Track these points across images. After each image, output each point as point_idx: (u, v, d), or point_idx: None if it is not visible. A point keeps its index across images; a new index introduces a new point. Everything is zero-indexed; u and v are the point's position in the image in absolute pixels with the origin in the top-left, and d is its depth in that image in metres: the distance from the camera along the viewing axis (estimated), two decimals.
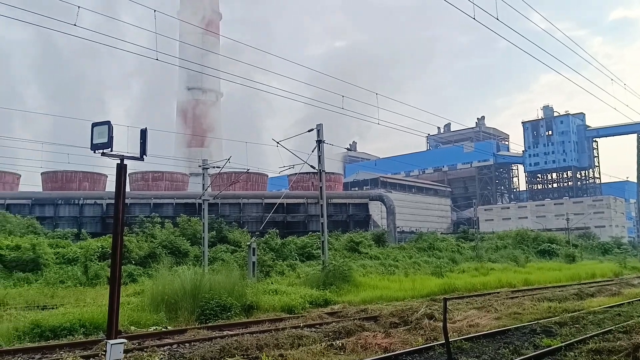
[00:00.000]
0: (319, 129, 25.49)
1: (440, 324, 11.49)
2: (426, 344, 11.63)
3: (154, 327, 14.91)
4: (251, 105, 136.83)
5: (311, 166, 25.54)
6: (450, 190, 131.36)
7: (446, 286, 25.29)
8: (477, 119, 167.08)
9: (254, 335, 12.91)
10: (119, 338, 8.52)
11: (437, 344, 11.29)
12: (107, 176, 76.08)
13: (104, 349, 10.92)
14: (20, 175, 76.72)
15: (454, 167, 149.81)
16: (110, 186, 72.83)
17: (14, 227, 38.36)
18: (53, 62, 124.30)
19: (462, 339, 11.99)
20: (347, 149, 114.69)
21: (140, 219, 44.80)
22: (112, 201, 48.08)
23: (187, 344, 12.45)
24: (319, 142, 25.46)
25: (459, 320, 15.01)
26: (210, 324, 15.44)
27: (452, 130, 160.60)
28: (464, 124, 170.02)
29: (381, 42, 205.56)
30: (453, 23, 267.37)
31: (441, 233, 72.69)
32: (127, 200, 51.54)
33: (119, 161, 8.99)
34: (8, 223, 39.29)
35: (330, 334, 13.25)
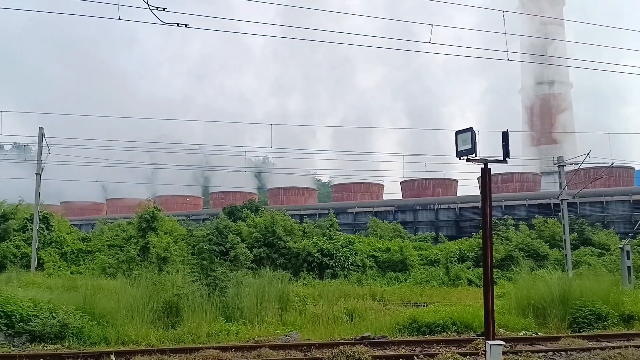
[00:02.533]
0: None
1: None
2: None
3: (524, 332, 14.63)
4: (605, 93, 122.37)
5: None
6: None
7: None
8: None
9: None
10: (497, 339, 8.63)
11: None
12: (457, 181, 79.02)
13: (480, 347, 11.27)
14: (383, 185, 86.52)
15: None
16: (462, 191, 75.17)
17: (383, 232, 43.39)
18: (403, 80, 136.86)
19: None
20: None
21: (494, 222, 44.92)
22: (465, 205, 49.40)
23: (562, 353, 11.77)
24: None
25: None
26: (584, 333, 14.27)
27: None
28: None
29: None
30: None
31: None
32: (470, 204, 52.36)
33: (482, 165, 9.18)
34: (378, 228, 44.66)
35: None
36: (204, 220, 58.09)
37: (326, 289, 21.50)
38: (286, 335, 13.71)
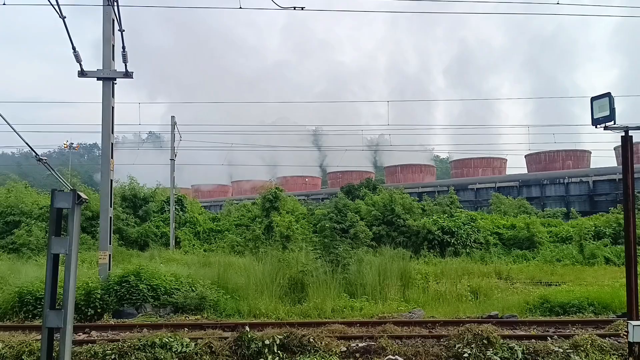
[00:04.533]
0: None
1: None
2: None
3: None
4: None
5: None
6: None
7: None
8: None
9: None
10: None
11: None
12: (590, 152, 73.28)
13: (621, 329, 10.46)
14: (506, 160, 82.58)
15: None
16: (595, 163, 69.69)
17: (507, 208, 41.53)
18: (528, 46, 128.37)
19: None
20: None
21: (636, 195, 41.07)
22: (599, 178, 45.58)
23: None
24: None
25: None
26: None
27: None
28: None
29: None
30: None
31: None
32: (605, 177, 48.02)
33: (622, 133, 8.41)
34: (502, 204, 42.82)
35: None
36: (322, 199, 59.46)
37: (448, 267, 21.12)
38: (410, 312, 13.68)
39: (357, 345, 10.06)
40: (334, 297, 14.85)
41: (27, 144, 7.85)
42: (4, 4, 13.51)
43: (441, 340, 10.25)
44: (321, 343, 9.73)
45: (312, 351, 9.46)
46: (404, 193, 35.09)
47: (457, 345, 9.39)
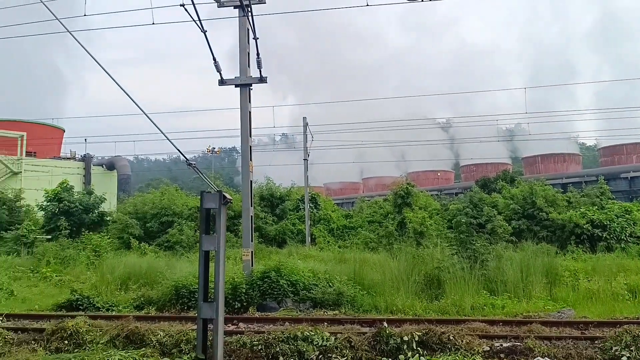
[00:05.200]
0: None
1: None
2: None
3: None
4: None
5: None
6: None
7: None
8: None
9: None
10: None
11: None
12: None
13: None
14: None
15: None
16: None
17: None
18: None
19: None
20: None
21: None
22: None
23: None
24: None
25: None
26: None
27: None
28: None
29: None
30: None
31: None
32: None
33: None
34: None
35: None
36: (456, 194, 57.71)
37: (600, 263, 19.37)
38: (558, 312, 12.81)
39: (502, 345, 9.62)
40: (472, 294, 14.37)
41: (178, 150, 8.55)
42: (153, 24, 14.87)
43: (595, 342, 9.45)
44: (462, 341, 9.45)
45: (453, 349, 9.21)
46: (545, 185, 32.88)
47: (614, 348, 8.60)
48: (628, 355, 8.38)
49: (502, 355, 9.22)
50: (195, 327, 9.86)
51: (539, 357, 8.26)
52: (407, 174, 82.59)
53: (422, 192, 38.96)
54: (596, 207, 30.00)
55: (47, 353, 9.27)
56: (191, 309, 14.13)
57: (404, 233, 30.20)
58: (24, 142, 61.81)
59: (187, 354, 9.06)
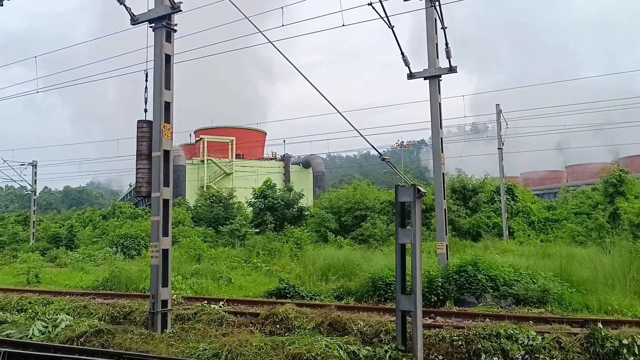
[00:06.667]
0: None
1: None
2: None
3: None
4: None
5: None
6: None
7: None
8: None
9: None
10: None
11: None
12: None
13: None
14: None
15: None
16: None
17: None
18: None
19: None
20: None
21: None
22: None
23: None
24: None
25: None
26: None
27: None
28: None
29: None
30: None
31: None
32: None
33: None
34: None
35: None
36: None
37: None
38: None
39: None
40: None
41: (371, 145, 8.76)
42: (343, 25, 15.43)
43: None
44: None
45: None
46: None
47: None
48: None
49: None
50: (393, 318, 10.03)
51: None
52: (619, 159, 73.46)
53: (638, 179, 34.32)
54: None
55: (262, 335, 10.22)
56: (388, 301, 14.38)
57: (618, 225, 26.97)
58: (234, 146, 69.26)
59: (387, 344, 9.21)
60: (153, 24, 11.56)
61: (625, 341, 8.51)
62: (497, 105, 31.17)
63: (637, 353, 8.30)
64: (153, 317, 10.94)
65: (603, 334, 8.76)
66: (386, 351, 8.78)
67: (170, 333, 10.67)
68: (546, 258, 18.43)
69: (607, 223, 27.77)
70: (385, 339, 9.69)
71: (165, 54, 11.46)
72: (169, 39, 11.57)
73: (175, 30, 11.70)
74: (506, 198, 32.02)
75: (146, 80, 12.13)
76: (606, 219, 28.32)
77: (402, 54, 14.40)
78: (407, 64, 14.94)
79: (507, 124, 31.33)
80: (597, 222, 28.04)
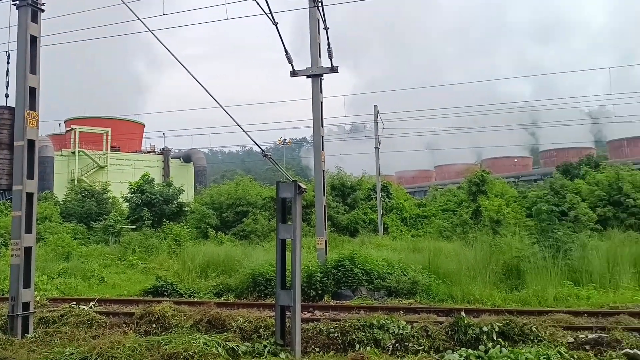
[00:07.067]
0: None
1: None
2: None
3: None
4: None
5: None
6: None
7: None
8: None
9: None
10: None
11: None
12: None
13: None
14: None
15: None
16: None
17: None
18: None
19: None
20: None
21: None
22: None
23: None
24: None
25: None
26: None
27: None
28: None
29: None
30: None
31: None
32: None
33: None
34: None
35: None
36: (535, 180, 55.54)
37: None
38: None
39: (587, 336, 9.19)
40: (555, 284, 13.82)
41: (254, 141, 8.77)
42: (227, 19, 15.24)
43: None
44: (545, 332, 9.11)
45: (535, 341, 8.89)
46: (633, 169, 30.98)
47: None
48: None
49: (587, 347, 8.82)
50: (273, 314, 10.11)
51: (627, 349, 7.81)
52: (482, 160, 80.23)
53: (498, 179, 37.76)
54: None
55: (137, 335, 9.79)
56: (268, 297, 14.47)
57: (480, 221, 29.44)
58: (109, 137, 65.53)
59: (266, 339, 9.28)
60: (17, 2, 10.56)
61: (485, 328, 9.28)
62: (375, 106, 32.61)
63: (495, 339, 9.09)
64: (12, 321, 10.04)
65: (466, 322, 9.49)
66: (265, 346, 8.85)
67: (32, 338, 9.87)
68: (416, 252, 19.63)
69: (470, 219, 30.20)
70: (264, 334, 9.74)
71: (31, 35, 10.52)
72: (35, 19, 10.64)
73: (42, 10, 10.79)
74: (382, 195, 33.60)
75: (8, 63, 11.07)
76: (469, 215, 30.80)
77: (286, 51, 14.53)
78: (290, 61, 15.10)
79: (383, 125, 32.92)
80: (462, 218, 30.39)
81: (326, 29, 15.58)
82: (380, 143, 32.83)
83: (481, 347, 8.69)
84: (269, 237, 28.13)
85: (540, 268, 14.38)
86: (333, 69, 15.80)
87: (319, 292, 14.56)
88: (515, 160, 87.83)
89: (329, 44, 15.65)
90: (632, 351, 7.53)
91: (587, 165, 37.30)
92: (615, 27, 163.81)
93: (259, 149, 9.23)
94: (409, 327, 9.61)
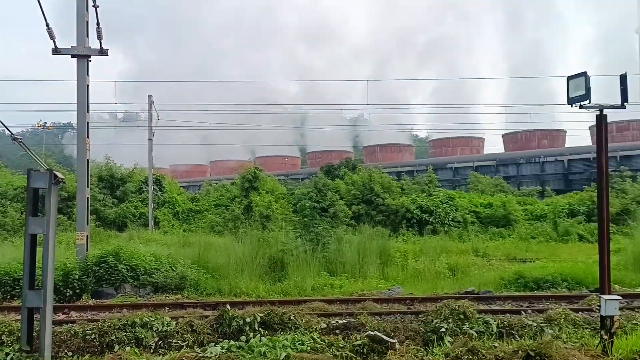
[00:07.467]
0: None
1: None
2: None
3: None
4: None
5: None
6: None
7: None
8: None
9: None
10: (612, 295, 8.20)
11: None
12: (566, 132, 74.41)
13: (594, 304, 10.79)
14: (484, 139, 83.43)
15: None
16: (570, 142, 70.87)
17: (484, 187, 42.12)
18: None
19: None
20: None
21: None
22: (574, 157, 46.31)
23: None
24: None
25: None
26: None
27: None
28: None
29: None
30: None
31: None
32: (580, 156, 48.73)
33: (598, 112, 8.55)
34: (479, 183, 43.39)
35: None
36: (302, 179, 59.43)
37: (427, 245, 21.39)
38: (389, 290, 13.89)
39: (337, 322, 10.18)
40: (314, 275, 14.98)
41: (1, 122, 7.69)
42: None
43: (419, 316, 10.43)
44: (302, 320, 9.83)
45: (293, 328, 9.55)
46: (383, 172, 35.30)
47: (435, 321, 9.56)
48: (446, 326, 9.37)
49: (337, 332, 9.78)
50: (19, 317, 9.00)
51: (369, 332, 8.90)
52: (255, 158, 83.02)
53: (269, 176, 39.50)
54: (425, 194, 32.97)
55: None
56: (15, 298, 12.86)
57: (251, 217, 30.45)
58: None
59: (10, 345, 8.24)
60: None
61: (248, 319, 9.62)
62: (150, 96, 31.32)
63: (257, 328, 9.49)
64: None
65: (230, 314, 9.71)
66: (7, 353, 7.85)
67: None
68: (187, 247, 19.43)
69: (242, 214, 31.05)
70: (8, 340, 8.62)
71: None
72: None
73: None
74: (154, 189, 32.44)
75: None
76: (241, 210, 31.63)
77: (47, 25, 13.06)
78: (52, 37, 13.62)
79: (158, 115, 31.79)
80: (234, 213, 31.06)
81: (95, 7, 14.41)
82: (154, 134, 31.62)
83: (243, 337, 8.99)
84: (20, 232, 24.94)
85: (302, 260, 15.47)
86: (102, 52, 14.70)
87: (77, 291, 13.43)
88: (286, 159, 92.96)
89: (98, 24, 14.49)
90: (372, 333, 8.57)
91: (346, 167, 41.30)
92: (375, 39, 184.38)
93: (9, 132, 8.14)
94: (174, 323, 9.47)
